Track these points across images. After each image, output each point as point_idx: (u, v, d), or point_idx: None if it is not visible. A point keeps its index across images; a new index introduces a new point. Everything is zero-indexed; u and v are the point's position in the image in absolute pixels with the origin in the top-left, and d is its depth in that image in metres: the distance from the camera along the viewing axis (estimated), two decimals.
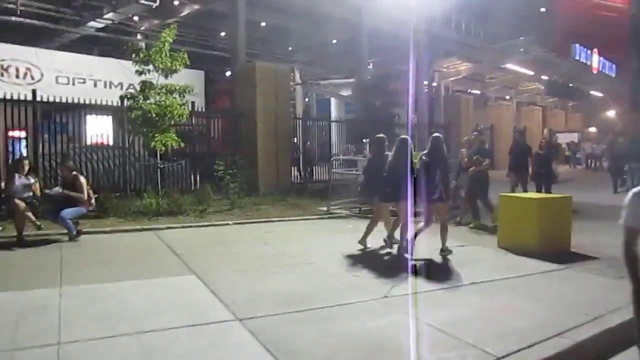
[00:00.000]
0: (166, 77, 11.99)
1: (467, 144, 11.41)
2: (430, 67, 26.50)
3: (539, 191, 11.59)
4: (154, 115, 11.32)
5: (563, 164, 29.57)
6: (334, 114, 29.08)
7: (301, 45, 27.13)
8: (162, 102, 11.55)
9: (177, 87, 11.90)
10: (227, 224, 10.37)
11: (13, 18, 17.01)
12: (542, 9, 52.46)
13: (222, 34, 23.99)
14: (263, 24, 23.13)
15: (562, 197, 8.07)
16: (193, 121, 14.84)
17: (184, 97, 12.02)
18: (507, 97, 34.00)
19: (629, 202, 3.00)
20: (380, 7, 23.50)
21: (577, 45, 33.59)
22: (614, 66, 42.19)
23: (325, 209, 12.11)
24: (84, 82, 14.45)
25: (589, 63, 35.74)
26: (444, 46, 27.00)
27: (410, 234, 7.51)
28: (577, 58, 33.53)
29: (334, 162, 12.28)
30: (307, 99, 34.02)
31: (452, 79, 28.66)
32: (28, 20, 17.17)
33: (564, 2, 52.48)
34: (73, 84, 14.62)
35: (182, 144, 12.38)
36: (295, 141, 19.18)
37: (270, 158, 16.05)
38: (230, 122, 16.48)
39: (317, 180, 17.83)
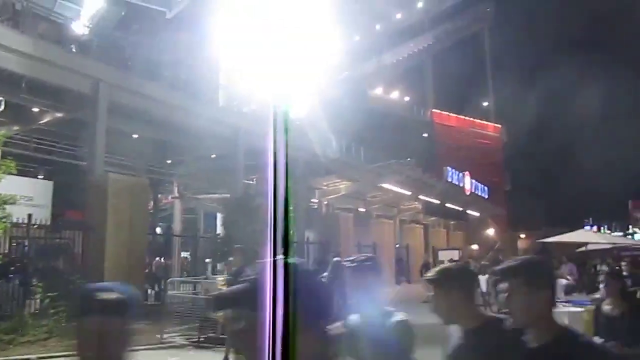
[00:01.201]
0: None
1: None
2: (309, 185, 26.78)
3: None
4: None
5: None
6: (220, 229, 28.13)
7: (180, 158, 26.56)
8: None
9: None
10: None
11: None
12: (425, 134, 56.64)
13: None
14: (135, 135, 22.41)
15: None
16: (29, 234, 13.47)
17: (2, 208, 10.73)
18: (390, 215, 34.92)
19: None
20: (257, 127, 23.85)
21: (450, 168, 35.91)
22: (486, 188, 45.36)
23: (165, 336, 10.84)
24: None
25: (461, 185, 38.14)
26: (324, 165, 27.60)
27: None
28: (450, 180, 35.67)
29: (173, 283, 11.15)
30: (195, 214, 33.04)
31: (332, 196, 29.03)
32: None
33: (443, 129, 57.00)
34: None
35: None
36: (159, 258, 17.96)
37: (119, 277, 14.61)
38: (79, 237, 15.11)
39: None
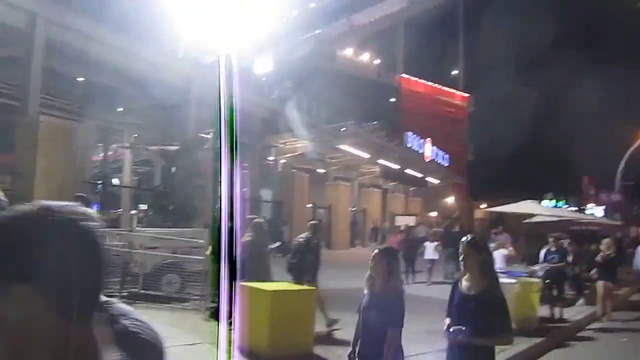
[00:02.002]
0: None
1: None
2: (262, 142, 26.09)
3: None
4: None
5: None
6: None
7: (132, 107, 25.44)
8: None
9: None
10: None
11: None
12: (392, 99, 56.09)
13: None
14: (80, 79, 21.24)
15: (302, 290, 7.08)
16: None
17: None
18: (349, 178, 34.59)
19: None
20: (210, 77, 22.90)
21: (410, 133, 35.58)
22: (447, 157, 45.39)
23: None
24: None
25: (421, 151, 37.96)
26: (282, 123, 26.88)
27: None
28: (410, 146, 35.42)
29: None
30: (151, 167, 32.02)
31: (289, 155, 28.42)
32: None
33: (410, 95, 56.57)
34: None
35: None
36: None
37: None
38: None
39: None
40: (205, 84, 22.32)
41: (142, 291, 9.86)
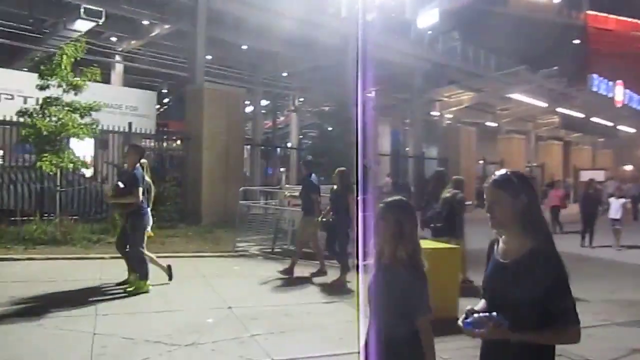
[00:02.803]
0: (75, 94, 11.02)
1: None
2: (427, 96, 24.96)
3: None
4: (44, 133, 10.26)
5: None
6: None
7: (295, 70, 26.06)
8: (57, 120, 10.50)
9: (82, 105, 10.89)
10: (102, 258, 9.07)
11: None
12: (576, 41, 50.19)
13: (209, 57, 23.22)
14: (244, 47, 22.18)
15: (444, 249, 6.35)
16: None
17: (87, 115, 10.93)
18: (523, 131, 31.82)
19: None
20: (375, 35, 22.37)
21: (596, 76, 31.24)
22: None
23: (239, 245, 10.73)
24: (12, 99, 13.62)
25: (610, 95, 33.23)
26: (447, 74, 25.47)
27: None
28: (596, 90, 31.17)
29: (244, 192, 10.81)
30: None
31: (454, 109, 26.90)
32: None
33: (598, 34, 50.05)
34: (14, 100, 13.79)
35: (86, 167, 11.42)
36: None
37: (217, 185, 14.78)
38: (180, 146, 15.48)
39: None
40: (366, 43, 22.00)
41: (292, 247, 9.96)
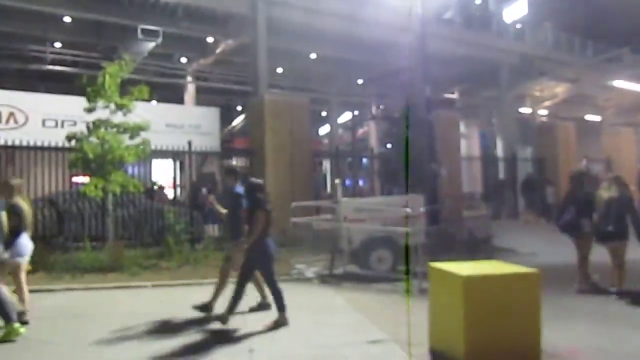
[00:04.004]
0: (124, 114, 10.63)
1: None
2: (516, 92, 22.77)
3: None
4: (90, 157, 9.86)
5: None
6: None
7: (371, 77, 24.92)
8: (104, 142, 10.08)
9: (130, 126, 10.44)
10: (144, 287, 8.40)
11: (43, 67, 17.03)
12: None
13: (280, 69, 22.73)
14: (313, 56, 21.38)
15: (518, 274, 4.85)
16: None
17: (137, 136, 10.47)
18: (632, 122, 28.33)
19: None
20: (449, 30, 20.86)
21: None
22: None
23: (301, 266, 9.73)
24: (75, 125, 13.61)
25: None
26: (537, 66, 23.14)
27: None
28: None
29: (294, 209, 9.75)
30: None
31: (547, 103, 24.39)
32: (57, 67, 17.08)
33: None
34: (62, 126, 13.87)
35: (138, 190, 10.93)
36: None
37: (283, 201, 13.91)
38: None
39: None
40: (438, 39, 20.49)
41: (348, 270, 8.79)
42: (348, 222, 8.86)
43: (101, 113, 10.43)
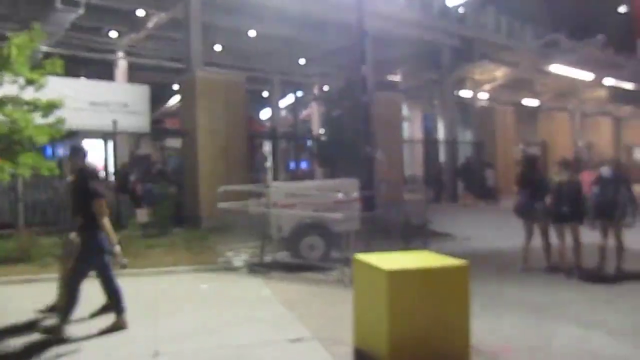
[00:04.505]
0: (37, 90, 9.65)
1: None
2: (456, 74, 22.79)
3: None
4: None
5: None
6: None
7: (314, 55, 24.31)
8: (13, 121, 9.13)
9: (43, 103, 9.51)
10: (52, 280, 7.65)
11: None
12: (621, 8, 46.41)
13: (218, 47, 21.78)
14: (252, 33, 20.57)
15: (446, 267, 4.51)
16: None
17: (50, 114, 9.54)
18: (566, 107, 29.05)
19: None
20: (391, 10, 20.50)
21: None
22: None
23: (230, 254, 9.19)
24: None
25: None
26: (478, 49, 23.17)
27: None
28: None
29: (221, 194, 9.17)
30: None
31: (487, 87, 24.59)
32: None
33: None
34: None
35: (53, 171, 10.04)
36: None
37: (216, 185, 13.25)
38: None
39: None
40: (380, 18, 20.13)
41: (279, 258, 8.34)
42: (278, 207, 8.37)
43: (9, 89, 9.45)
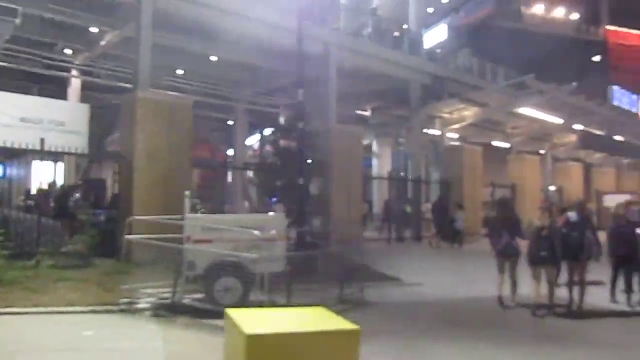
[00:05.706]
0: None
1: None
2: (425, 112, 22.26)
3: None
4: None
5: None
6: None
7: (277, 85, 23.62)
8: None
9: None
10: None
11: None
12: (595, 57, 47.15)
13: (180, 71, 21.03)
14: (214, 58, 19.85)
15: (328, 332, 3.53)
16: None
17: None
18: (538, 150, 28.74)
19: None
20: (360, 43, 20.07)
21: (617, 88, 28.13)
22: None
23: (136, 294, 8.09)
24: None
25: (634, 110, 29.97)
26: (448, 88, 22.77)
27: None
28: (618, 104, 28.00)
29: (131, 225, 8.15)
30: None
31: (456, 126, 24.09)
32: None
33: (619, 50, 47.11)
34: None
35: None
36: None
37: (154, 214, 12.17)
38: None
39: None
40: (352, 53, 19.68)
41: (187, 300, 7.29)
42: (191, 242, 7.36)
43: None
